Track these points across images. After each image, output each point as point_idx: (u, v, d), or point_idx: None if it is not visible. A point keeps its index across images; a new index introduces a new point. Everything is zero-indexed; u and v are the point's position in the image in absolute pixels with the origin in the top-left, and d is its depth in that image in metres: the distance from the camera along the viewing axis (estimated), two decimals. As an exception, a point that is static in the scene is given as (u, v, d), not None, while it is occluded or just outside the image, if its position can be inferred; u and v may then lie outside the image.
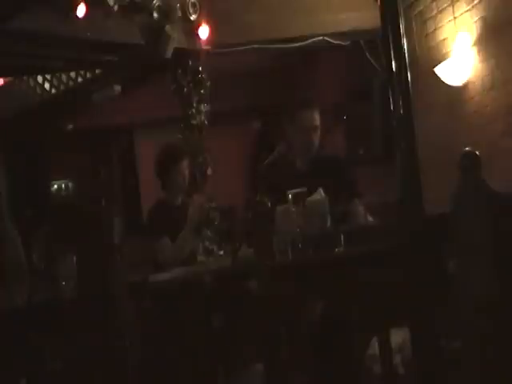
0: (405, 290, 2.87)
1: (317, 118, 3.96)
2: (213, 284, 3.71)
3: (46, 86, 6.48)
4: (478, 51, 5.24)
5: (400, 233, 2.90)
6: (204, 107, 5.55)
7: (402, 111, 2.81)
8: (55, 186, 8.32)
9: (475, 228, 2.68)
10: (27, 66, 5.56)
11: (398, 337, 3.36)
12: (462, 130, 5.35)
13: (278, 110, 4.25)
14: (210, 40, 5.46)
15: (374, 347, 3.43)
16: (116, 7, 4.78)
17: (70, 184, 8.38)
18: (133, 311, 3.33)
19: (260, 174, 4.17)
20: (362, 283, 3.10)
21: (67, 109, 7.07)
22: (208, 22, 5.40)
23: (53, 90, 6.48)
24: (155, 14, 5.08)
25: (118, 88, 6.38)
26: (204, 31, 5.40)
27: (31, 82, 6.56)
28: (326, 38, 6.06)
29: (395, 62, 2.81)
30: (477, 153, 2.75)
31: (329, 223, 3.34)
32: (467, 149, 2.77)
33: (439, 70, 5.43)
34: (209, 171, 5.52)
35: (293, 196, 3.36)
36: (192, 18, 5.36)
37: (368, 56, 6.38)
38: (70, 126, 7.66)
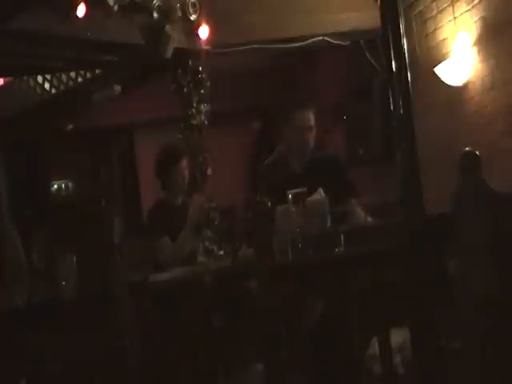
0: (405, 290, 2.87)
1: (311, 118, 3.96)
2: (213, 284, 3.71)
3: (46, 85, 6.48)
4: (478, 51, 5.24)
5: (400, 233, 2.90)
6: (204, 107, 5.55)
7: (401, 111, 2.81)
8: (55, 186, 8.32)
9: (475, 228, 2.68)
10: (27, 65, 5.56)
11: (398, 337, 3.36)
12: (462, 129, 5.35)
13: (276, 110, 4.26)
14: (209, 40, 5.45)
15: (374, 347, 3.43)
16: (116, 7, 4.78)
17: (69, 184, 8.38)
18: (133, 311, 3.33)
19: (260, 173, 4.17)
20: (362, 283, 3.10)
21: (67, 109, 7.07)
22: (208, 22, 5.40)
23: (53, 90, 6.48)
24: (155, 14, 5.08)
25: (117, 88, 6.38)
26: (204, 31, 5.40)
27: (31, 82, 6.55)
28: (325, 38, 6.06)
29: (395, 62, 2.81)
30: (477, 153, 2.75)
31: (329, 223, 3.34)
32: (467, 149, 2.77)
33: (439, 70, 5.43)
34: (209, 171, 5.52)
35: (293, 196, 3.36)
36: (192, 18, 5.36)
37: (368, 56, 6.38)
38: (70, 126, 7.66)
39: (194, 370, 3.70)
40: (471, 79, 5.33)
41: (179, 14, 5.27)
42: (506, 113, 5.05)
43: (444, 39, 5.56)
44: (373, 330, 3.38)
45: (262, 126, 8.36)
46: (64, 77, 6.33)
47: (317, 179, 3.62)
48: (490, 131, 5.15)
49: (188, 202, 4.56)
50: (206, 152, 5.52)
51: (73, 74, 6.28)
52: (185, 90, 5.54)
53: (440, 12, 5.60)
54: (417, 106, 2.95)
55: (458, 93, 5.42)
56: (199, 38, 5.43)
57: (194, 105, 5.52)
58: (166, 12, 5.15)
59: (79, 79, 6.29)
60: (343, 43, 6.25)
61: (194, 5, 5.36)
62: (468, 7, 5.29)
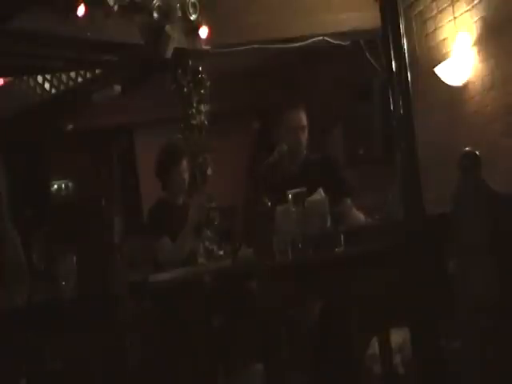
0: (405, 290, 2.87)
1: (303, 118, 3.98)
2: (213, 284, 3.71)
3: (46, 85, 6.48)
4: (478, 51, 5.24)
5: (400, 233, 2.90)
6: (204, 107, 5.55)
7: (401, 111, 2.81)
8: (55, 186, 8.32)
9: (475, 228, 2.68)
10: (27, 65, 5.56)
11: (398, 337, 3.36)
12: (462, 129, 5.35)
13: (270, 110, 4.28)
14: (209, 40, 5.46)
15: (374, 347, 3.43)
16: (116, 7, 4.78)
17: (69, 184, 8.37)
18: (133, 311, 3.33)
19: (260, 173, 4.17)
20: (362, 283, 3.10)
21: (67, 109, 7.07)
22: (208, 22, 5.41)
23: (53, 90, 6.48)
24: (155, 14, 5.08)
25: (117, 88, 6.38)
26: (204, 31, 5.40)
27: (31, 82, 6.55)
28: (325, 38, 6.06)
29: (395, 62, 2.81)
30: (477, 153, 2.75)
31: (329, 223, 3.34)
32: (467, 149, 2.77)
33: (439, 70, 5.43)
34: (209, 171, 5.52)
35: (293, 196, 3.36)
36: (192, 18, 5.36)
37: (368, 56, 6.38)
38: (70, 126, 7.66)
39: (194, 370, 3.70)
40: (471, 79, 5.33)
41: (179, 13, 5.27)
42: (506, 113, 5.05)
43: (444, 39, 5.56)
44: (373, 330, 3.38)
45: (261, 126, 8.35)
46: (64, 77, 6.33)
47: (311, 180, 3.62)
48: (490, 131, 5.15)
49: (188, 202, 4.55)
50: (206, 152, 5.53)
51: (73, 74, 6.28)
52: (185, 89, 5.54)
53: (440, 12, 5.60)
54: (417, 106, 2.95)
55: (458, 93, 5.42)
56: (199, 38, 5.43)
57: (194, 105, 5.52)
58: (166, 12, 5.15)
59: (79, 79, 6.29)
60: (343, 43, 6.25)
61: (194, 5, 5.36)
62: (468, 7, 5.29)
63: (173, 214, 4.43)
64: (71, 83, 6.33)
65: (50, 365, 3.07)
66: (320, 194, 3.41)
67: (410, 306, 2.85)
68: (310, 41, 6.01)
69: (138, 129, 8.28)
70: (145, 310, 3.65)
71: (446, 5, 5.52)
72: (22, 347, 3.02)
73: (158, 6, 5.09)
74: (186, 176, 4.55)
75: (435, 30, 5.66)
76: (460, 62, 5.31)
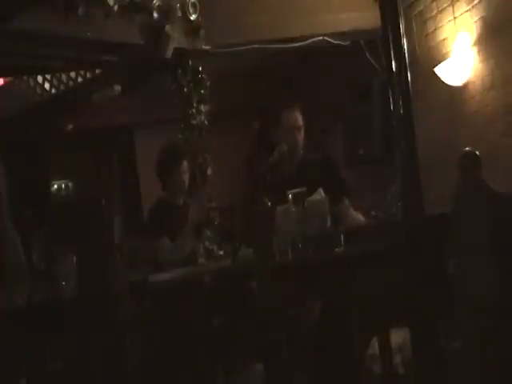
0: (405, 290, 2.87)
1: (299, 118, 4.00)
2: (213, 284, 3.71)
3: (46, 85, 6.48)
4: (478, 51, 5.24)
5: (400, 233, 2.90)
6: (204, 107, 5.55)
7: (402, 111, 2.81)
8: (55, 186, 8.32)
9: (475, 228, 2.68)
10: (27, 65, 5.55)
11: (398, 337, 3.36)
12: (462, 129, 5.36)
13: (266, 111, 4.30)
14: (209, 40, 5.46)
15: (374, 347, 3.44)
16: (116, 7, 4.78)
17: (69, 184, 8.37)
18: (133, 311, 3.33)
19: (260, 173, 4.17)
20: (361, 283, 3.10)
21: (67, 109, 7.07)
22: (208, 22, 5.41)
23: (53, 90, 6.48)
24: (155, 14, 5.08)
25: (117, 88, 6.38)
26: (204, 31, 5.40)
27: (31, 82, 6.55)
28: (325, 38, 6.06)
29: (395, 62, 2.81)
30: (477, 153, 2.75)
31: (329, 223, 3.34)
32: (467, 149, 2.77)
33: (439, 70, 5.43)
34: (209, 171, 5.52)
35: (293, 196, 3.36)
36: (192, 18, 5.36)
37: (368, 56, 6.38)
38: (70, 126, 7.66)
39: (194, 370, 3.70)
40: (471, 79, 5.33)
41: (179, 13, 5.27)
42: (506, 113, 5.05)
43: (444, 39, 5.56)
44: (373, 330, 3.38)
45: (261, 126, 8.35)
46: (64, 77, 6.32)
47: (309, 180, 3.62)
48: (490, 131, 5.15)
49: (189, 203, 4.55)
50: (206, 152, 5.53)
51: (73, 74, 6.28)
52: (185, 89, 5.53)
53: (440, 12, 5.59)
54: (417, 106, 2.95)
55: (458, 93, 5.42)
56: (199, 38, 5.44)
57: (194, 105, 5.52)
58: (166, 12, 5.14)
59: (79, 79, 6.29)
60: (343, 43, 6.25)
61: (194, 5, 5.35)
62: (468, 7, 5.29)
63: (173, 214, 4.44)
64: (71, 83, 6.33)
65: (50, 365, 3.07)
66: (320, 193, 3.41)
67: (410, 306, 2.85)
68: (310, 41, 6.01)
69: (138, 129, 8.28)
70: (145, 310, 3.65)
71: (445, 5, 5.52)
72: (22, 347, 3.02)
73: (158, 5, 5.08)
74: (187, 176, 4.55)
75: (435, 30, 5.66)
76: (460, 62, 5.31)
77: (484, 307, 2.63)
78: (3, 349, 2.96)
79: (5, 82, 6.47)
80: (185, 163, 4.54)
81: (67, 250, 3.16)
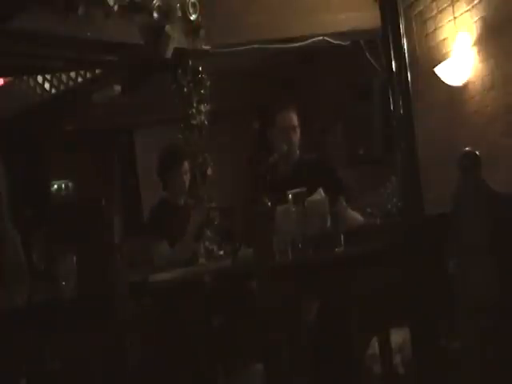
0: (405, 290, 2.87)
1: (294, 118, 4.03)
2: (213, 284, 3.71)
3: (46, 86, 6.48)
4: (478, 51, 5.24)
5: (400, 233, 2.90)
6: (204, 107, 5.55)
7: (402, 111, 2.81)
8: (55, 186, 8.32)
9: (475, 228, 2.68)
10: (27, 65, 5.55)
11: (398, 337, 3.36)
12: (462, 129, 5.35)
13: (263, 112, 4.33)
14: (209, 40, 5.46)
15: (374, 347, 3.43)
16: (116, 7, 4.78)
17: (69, 184, 8.37)
18: (133, 311, 3.33)
19: (260, 174, 4.18)
20: (361, 283, 3.10)
21: (67, 109, 7.07)
22: (208, 22, 5.40)
23: (53, 90, 6.47)
24: (155, 14, 5.08)
25: (117, 88, 6.37)
26: (204, 31, 5.40)
27: (31, 82, 6.55)
28: (325, 38, 6.06)
29: (395, 62, 2.81)
30: (477, 153, 2.75)
31: (329, 223, 3.34)
32: (467, 149, 2.78)
33: (439, 70, 5.43)
34: (209, 171, 5.52)
35: (293, 196, 3.36)
36: (192, 18, 5.36)
37: (368, 56, 6.38)
38: (70, 126, 7.66)
39: (194, 370, 3.70)
40: (471, 79, 5.33)
41: (179, 14, 5.27)
42: (506, 112, 5.05)
43: (444, 39, 5.56)
44: (373, 330, 3.38)
45: (261, 126, 8.35)
46: (64, 77, 6.32)
47: (305, 180, 3.62)
48: (490, 131, 5.15)
49: (190, 203, 4.56)
50: (206, 152, 5.52)
51: (73, 74, 6.28)
52: (185, 89, 5.53)
53: (440, 12, 5.59)
54: (417, 106, 2.95)
55: (458, 93, 5.42)
56: (199, 38, 5.44)
57: (194, 105, 5.52)
58: (166, 12, 5.14)
59: (79, 79, 6.29)
60: (343, 43, 6.25)
61: (194, 5, 5.35)
62: (468, 7, 5.29)
63: (174, 215, 4.44)
64: (71, 83, 6.33)
65: (50, 365, 3.07)
66: (320, 193, 3.41)
67: (410, 306, 2.85)
68: (310, 41, 6.01)
69: (138, 129, 8.28)
70: (145, 310, 3.65)
71: (445, 5, 5.52)
72: (22, 347, 3.02)
73: (158, 6, 5.08)
74: (187, 177, 4.56)
75: (435, 29, 5.66)
76: (460, 62, 5.31)
77: (484, 307, 2.63)
78: (3, 349, 2.96)
79: (5, 82, 6.47)
80: (185, 163, 4.54)
81: (67, 250, 3.16)
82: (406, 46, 2.84)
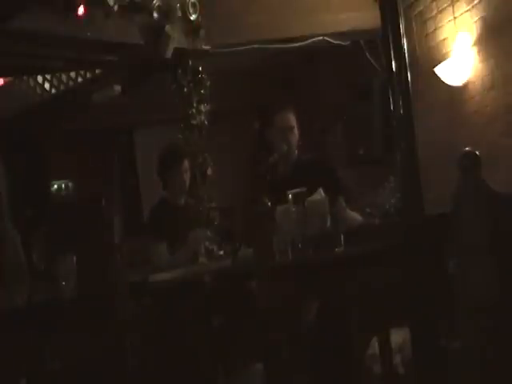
0: (405, 290, 2.87)
1: (291, 119, 4.03)
2: (213, 284, 3.71)
3: (46, 86, 6.48)
4: (478, 51, 5.24)
5: (400, 233, 2.90)
6: (204, 107, 5.55)
7: (402, 111, 2.81)
8: (55, 186, 8.32)
9: (475, 228, 2.68)
10: (27, 66, 5.56)
11: (398, 337, 3.36)
12: (462, 129, 5.35)
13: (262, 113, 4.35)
14: (209, 40, 5.46)
15: (374, 347, 3.43)
16: (116, 7, 4.79)
17: (69, 184, 8.37)
18: (133, 311, 3.33)
19: (260, 173, 4.18)
20: (361, 283, 3.10)
21: (67, 109, 7.07)
22: (208, 22, 5.41)
23: (53, 90, 6.48)
24: (155, 14, 5.08)
25: (117, 88, 6.38)
26: (204, 31, 5.40)
27: (31, 82, 6.55)
28: (325, 38, 6.06)
29: (395, 62, 2.81)
30: (477, 153, 2.75)
31: (329, 223, 3.34)
32: (467, 149, 2.77)
33: (439, 70, 5.43)
34: (209, 171, 5.52)
35: (293, 196, 3.36)
36: (192, 18, 5.36)
37: (368, 56, 6.38)
38: (70, 126, 7.66)
39: (194, 370, 3.70)
40: (471, 79, 5.33)
41: (179, 14, 5.28)
42: (506, 112, 5.05)
43: (444, 39, 5.56)
44: (373, 330, 3.38)
45: (261, 126, 8.35)
46: (64, 77, 6.33)
47: (304, 180, 3.62)
48: (489, 131, 5.15)
49: (191, 203, 4.56)
50: (206, 152, 5.53)
51: (73, 74, 6.28)
52: (185, 89, 5.54)
53: (440, 12, 5.59)
54: (417, 106, 2.95)
55: (458, 93, 5.42)
56: (199, 38, 5.44)
57: (194, 105, 5.53)
58: (166, 12, 5.15)
59: (79, 79, 6.29)
60: (343, 43, 6.25)
61: (194, 5, 5.36)
62: (468, 7, 5.29)
63: (175, 215, 4.43)
64: (71, 83, 6.33)
65: (50, 365, 3.07)
66: (320, 193, 3.41)
67: (410, 306, 2.85)
68: (310, 41, 6.02)
69: (138, 129, 8.28)
70: (145, 310, 3.65)
71: (445, 5, 5.52)
72: (22, 347, 3.02)
73: (158, 6, 5.09)
74: (187, 176, 4.55)
75: (435, 30, 5.66)
76: (460, 62, 5.31)
77: (484, 307, 2.63)
78: (3, 349, 2.96)
79: (5, 82, 6.47)
80: (185, 162, 4.54)
81: (67, 250, 3.16)
82: (406, 46, 2.84)
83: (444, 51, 5.55)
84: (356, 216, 3.84)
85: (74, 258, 3.13)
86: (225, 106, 6.86)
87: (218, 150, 5.77)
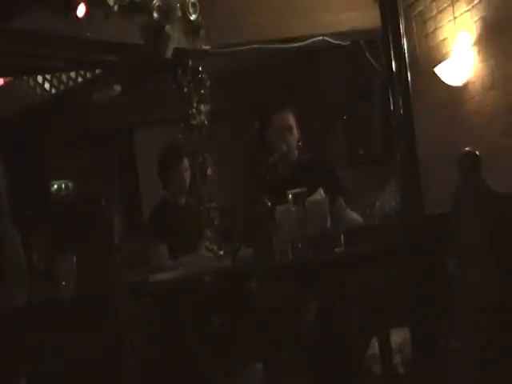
0: (405, 290, 2.87)
1: (290, 119, 4.04)
2: (213, 284, 3.71)
3: (46, 86, 6.48)
4: (478, 51, 5.24)
5: (400, 233, 2.89)
6: (204, 107, 5.55)
7: (402, 111, 2.81)
8: (55, 186, 8.32)
9: (475, 228, 2.68)
10: (27, 66, 5.56)
11: (398, 337, 3.36)
12: (462, 129, 5.35)
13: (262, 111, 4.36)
14: (209, 40, 5.46)
15: (374, 347, 3.43)
16: (116, 7, 4.79)
17: (69, 184, 8.37)
18: (133, 311, 3.33)
19: (260, 173, 4.18)
20: (362, 283, 3.10)
21: (67, 109, 7.07)
22: (208, 22, 5.41)
23: (53, 90, 6.48)
24: (155, 14, 5.09)
25: (117, 88, 6.38)
26: (204, 31, 5.41)
27: (31, 82, 6.55)
28: (326, 38, 6.07)
29: (395, 62, 2.81)
30: (477, 153, 2.75)
31: (329, 223, 3.34)
32: (467, 149, 2.77)
33: (439, 70, 5.43)
34: (209, 171, 5.52)
35: (293, 196, 3.36)
36: (192, 18, 5.36)
37: (368, 56, 6.38)
38: (70, 126, 7.66)
39: (194, 370, 3.70)
40: (471, 79, 5.33)
41: (179, 13, 5.28)
42: (506, 112, 5.05)
43: (444, 39, 5.56)
44: (373, 330, 3.38)
45: (261, 126, 8.34)
46: (64, 77, 6.33)
47: (304, 180, 3.62)
48: (489, 131, 5.15)
49: (191, 203, 4.55)
50: (206, 152, 5.53)
51: (73, 74, 6.28)
52: (185, 89, 5.54)
53: (440, 12, 5.59)
54: (417, 106, 2.95)
55: (458, 93, 5.42)
56: (199, 38, 5.44)
57: (194, 105, 5.53)
58: (166, 12, 5.15)
59: (79, 79, 6.29)
60: (343, 43, 6.26)
61: (193, 5, 5.36)
62: (468, 7, 5.29)
63: (175, 215, 4.43)
64: (71, 83, 6.33)
65: (50, 365, 3.07)
66: (320, 193, 3.41)
67: (410, 306, 2.85)
68: (310, 41, 6.02)
69: (137, 129, 8.28)
70: (145, 310, 3.65)
71: (445, 5, 5.52)
72: (22, 347, 3.02)
73: (158, 6, 5.09)
74: (187, 175, 4.54)
75: (435, 29, 5.66)
76: (460, 62, 5.31)
77: (484, 307, 2.63)
78: (3, 349, 2.96)
79: (5, 82, 6.47)
80: (185, 161, 4.53)
81: (67, 250, 3.16)
82: (406, 46, 2.84)
83: (444, 51, 5.55)
84: (356, 216, 3.84)
85: (74, 258, 3.13)
86: (225, 106, 6.86)
87: (218, 149, 5.77)
